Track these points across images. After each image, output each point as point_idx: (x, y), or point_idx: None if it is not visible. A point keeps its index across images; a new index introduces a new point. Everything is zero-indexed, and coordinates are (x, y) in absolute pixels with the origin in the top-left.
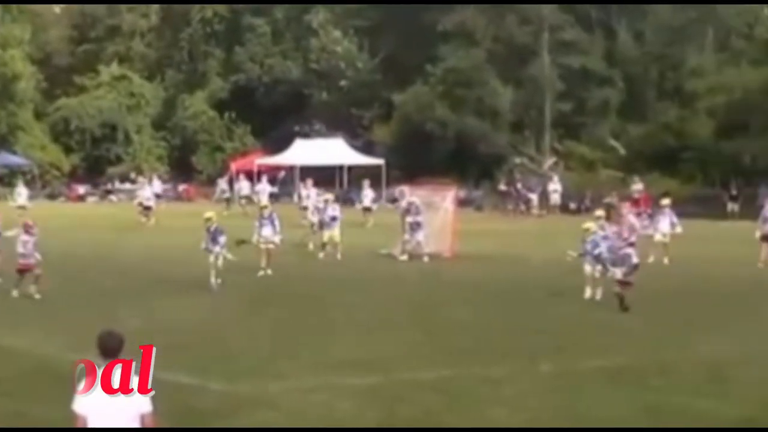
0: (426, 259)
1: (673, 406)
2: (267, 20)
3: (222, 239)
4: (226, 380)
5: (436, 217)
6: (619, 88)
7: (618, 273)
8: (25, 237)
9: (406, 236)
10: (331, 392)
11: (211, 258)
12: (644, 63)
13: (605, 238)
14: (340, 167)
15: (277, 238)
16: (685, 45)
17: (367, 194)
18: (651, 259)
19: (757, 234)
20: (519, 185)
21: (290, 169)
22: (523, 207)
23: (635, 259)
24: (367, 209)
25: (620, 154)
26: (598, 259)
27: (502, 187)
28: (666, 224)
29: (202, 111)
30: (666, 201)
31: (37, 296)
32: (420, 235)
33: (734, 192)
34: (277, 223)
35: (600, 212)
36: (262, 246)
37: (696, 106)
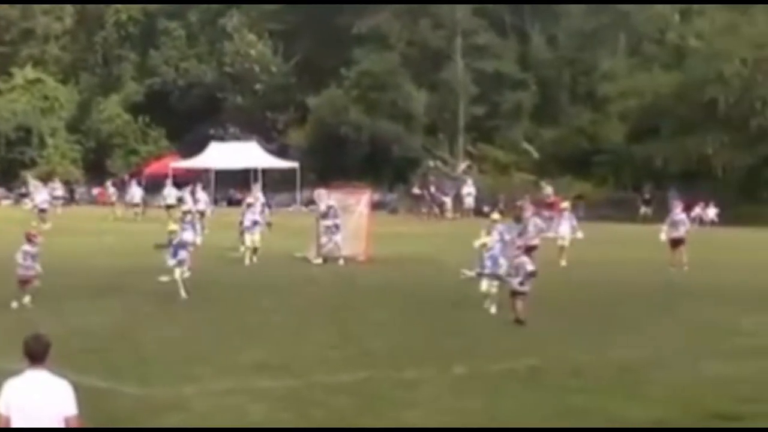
0: (341, 262)
1: (585, 407)
2: (182, 24)
3: (182, 254)
4: (140, 384)
5: (351, 220)
6: (533, 92)
7: (514, 283)
8: (26, 247)
9: (323, 239)
10: (245, 395)
11: (177, 273)
12: (557, 67)
13: (503, 242)
14: (255, 170)
15: (198, 240)
16: (598, 49)
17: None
18: (564, 263)
19: (663, 236)
20: (432, 188)
21: (205, 172)
22: (437, 210)
23: (530, 267)
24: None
25: (533, 158)
26: (496, 275)
27: (416, 190)
28: (566, 228)
29: (116, 114)
30: (566, 204)
31: (30, 306)
32: (338, 238)
33: (647, 196)
34: (198, 227)
35: (496, 215)
36: None
37: (608, 110)
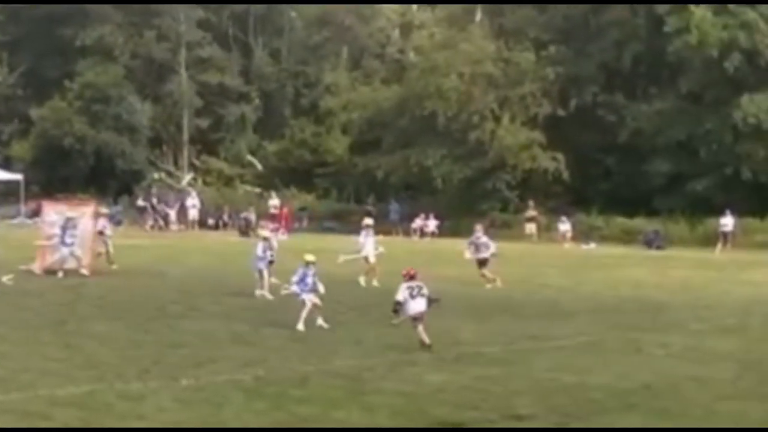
0: (60, 275)
1: (309, 416)
2: None
3: None
4: None
5: (75, 232)
6: (256, 105)
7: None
8: None
9: (55, 252)
10: None
11: None
12: (280, 80)
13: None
14: None
15: None
16: (321, 63)
17: None
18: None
19: (467, 255)
20: (155, 200)
21: None
22: (162, 222)
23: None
24: None
25: (258, 170)
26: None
27: (141, 202)
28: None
29: None
30: (369, 221)
31: None
32: (77, 250)
33: (369, 207)
34: None
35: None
36: None
37: (331, 123)
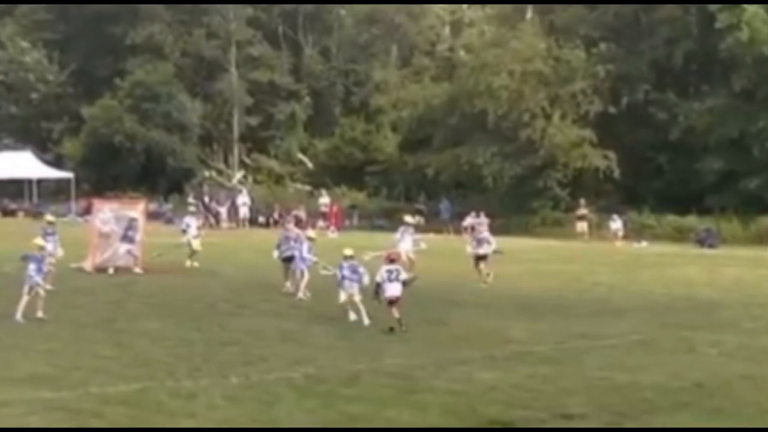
0: (111, 271)
1: (360, 414)
2: None
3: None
4: None
5: (136, 233)
6: (306, 103)
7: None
8: None
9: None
10: (22, 407)
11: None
12: (330, 78)
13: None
14: (29, 181)
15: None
16: (371, 61)
17: None
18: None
19: (469, 249)
20: (207, 198)
21: None
22: (212, 220)
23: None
24: None
25: (308, 168)
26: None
27: (191, 200)
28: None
29: None
30: (409, 219)
31: None
32: (132, 249)
33: (419, 205)
34: None
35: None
36: None
37: (381, 121)
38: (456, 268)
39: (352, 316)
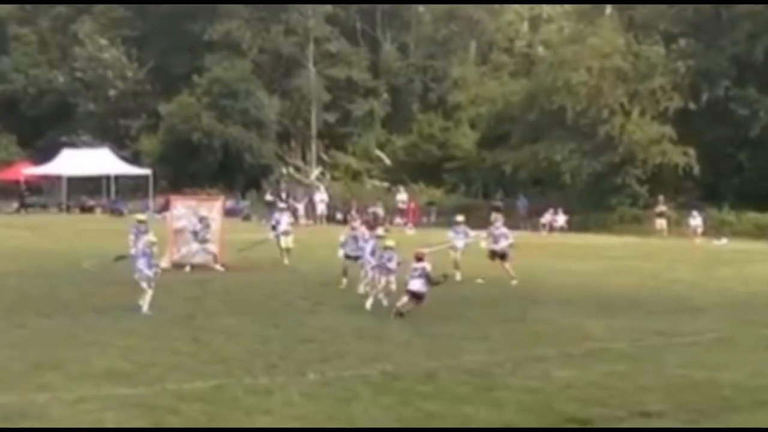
0: (188, 269)
1: (437, 412)
2: (33, 29)
3: None
4: None
5: (209, 231)
6: (384, 100)
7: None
8: None
9: (195, 246)
10: (98, 403)
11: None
12: (408, 74)
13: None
14: (107, 177)
15: None
16: (449, 57)
17: None
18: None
19: (483, 244)
20: (284, 195)
21: (57, 179)
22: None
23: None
24: None
25: (385, 165)
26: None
27: (269, 197)
28: (461, 241)
29: None
30: (460, 218)
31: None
32: (207, 246)
33: (497, 202)
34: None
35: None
36: None
37: (459, 117)
38: (531, 265)
39: (385, 301)
